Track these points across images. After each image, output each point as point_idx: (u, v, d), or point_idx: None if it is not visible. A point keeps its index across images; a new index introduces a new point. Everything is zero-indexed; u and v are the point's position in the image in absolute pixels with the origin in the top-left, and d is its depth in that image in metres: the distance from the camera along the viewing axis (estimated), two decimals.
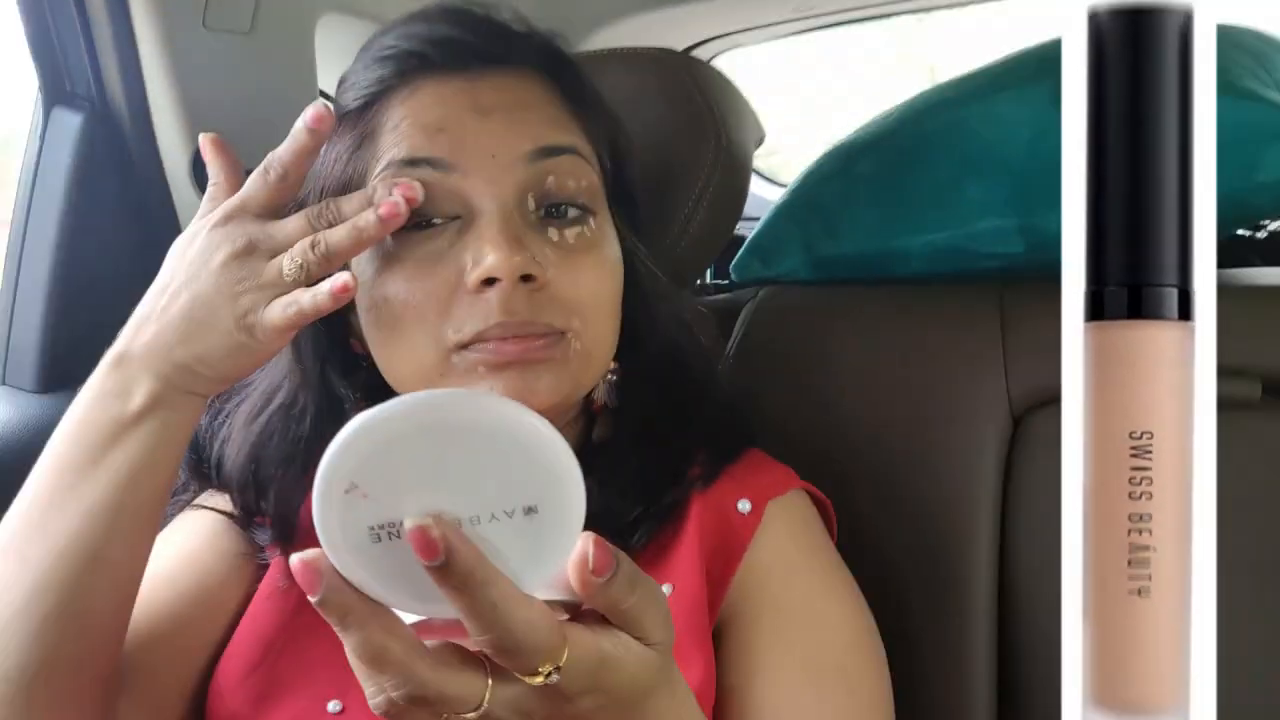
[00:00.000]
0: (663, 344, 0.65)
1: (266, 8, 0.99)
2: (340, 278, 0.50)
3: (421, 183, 0.53)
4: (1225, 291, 0.79)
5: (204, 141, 0.57)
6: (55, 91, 0.94)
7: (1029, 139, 0.86)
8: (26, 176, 0.95)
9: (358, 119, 0.58)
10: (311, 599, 0.34)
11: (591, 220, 0.58)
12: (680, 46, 1.66)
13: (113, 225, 0.98)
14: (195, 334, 0.51)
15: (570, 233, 0.57)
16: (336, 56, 1.24)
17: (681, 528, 0.61)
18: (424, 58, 0.57)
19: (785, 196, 1.01)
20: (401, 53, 0.58)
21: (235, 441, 0.63)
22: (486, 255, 0.52)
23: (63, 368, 0.96)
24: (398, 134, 0.56)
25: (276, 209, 0.54)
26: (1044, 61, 0.92)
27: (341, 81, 0.63)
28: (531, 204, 0.56)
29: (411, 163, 0.54)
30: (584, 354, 0.56)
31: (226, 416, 0.64)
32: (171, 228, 1.01)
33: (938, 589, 0.73)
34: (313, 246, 0.50)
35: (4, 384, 0.97)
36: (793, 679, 0.58)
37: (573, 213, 0.57)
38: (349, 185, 0.58)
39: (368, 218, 0.51)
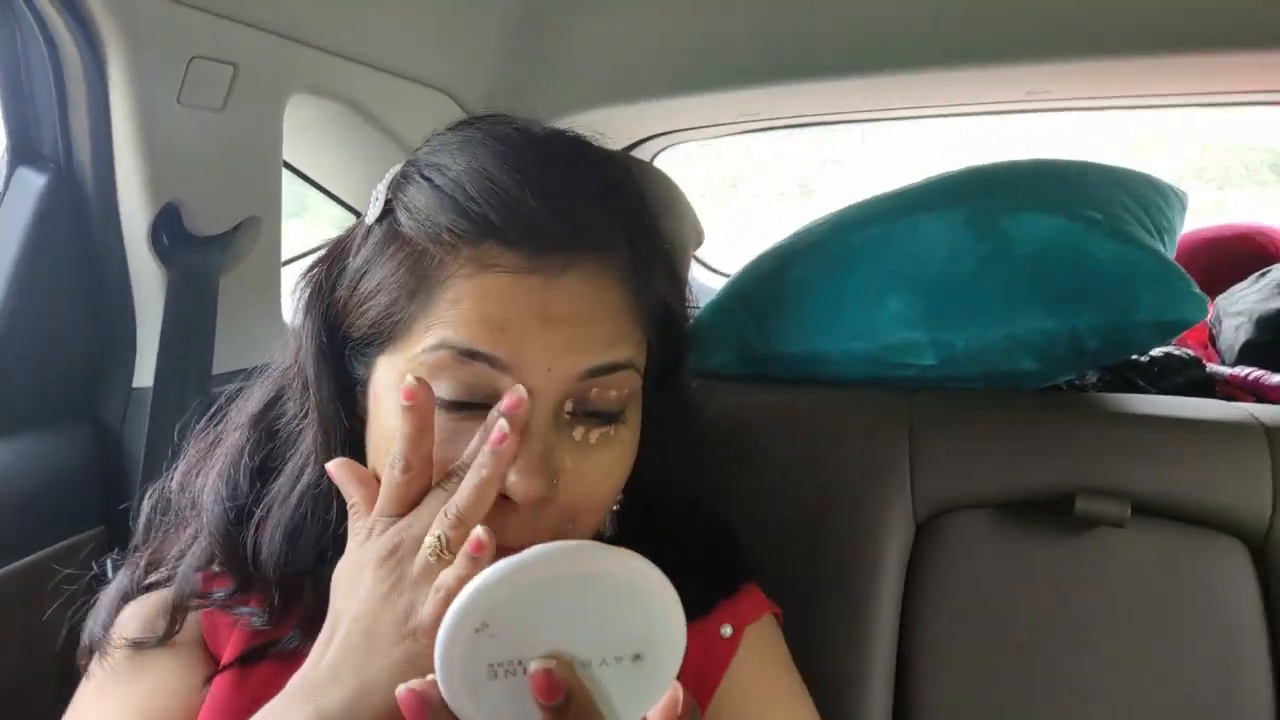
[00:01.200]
0: (670, 485, 0.66)
1: (240, 87, 1.02)
2: (473, 536, 0.47)
3: (472, 371, 0.53)
4: (1098, 417, 0.87)
5: (333, 467, 0.54)
6: (22, 151, 0.95)
7: (942, 260, 0.93)
8: None
9: (415, 255, 0.55)
10: None
11: (621, 418, 0.57)
12: (627, 141, 1.74)
13: (64, 284, 0.99)
14: (362, 662, 0.48)
15: (595, 434, 0.56)
16: (302, 130, 1.29)
17: None
18: (503, 234, 0.53)
19: (721, 293, 1.07)
20: (479, 216, 0.53)
21: (269, 525, 0.61)
22: (511, 475, 0.51)
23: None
24: (459, 314, 0.53)
25: (418, 500, 0.52)
26: (958, 189, 1.01)
27: (397, 184, 0.59)
28: (569, 407, 0.55)
29: (470, 354, 0.52)
30: (577, 535, 0.56)
31: (259, 501, 0.62)
32: (124, 289, 1.03)
33: (838, 684, 0.78)
34: (445, 514, 0.49)
35: None
36: None
37: (605, 417, 0.56)
38: (392, 330, 0.56)
39: (484, 463, 0.49)
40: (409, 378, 0.50)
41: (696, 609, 0.63)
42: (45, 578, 0.95)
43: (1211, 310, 1.37)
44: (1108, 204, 0.93)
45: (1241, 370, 1.12)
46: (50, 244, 0.96)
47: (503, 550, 0.46)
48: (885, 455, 0.90)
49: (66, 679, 0.66)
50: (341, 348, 0.59)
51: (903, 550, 0.88)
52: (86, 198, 0.98)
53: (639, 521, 0.64)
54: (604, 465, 0.56)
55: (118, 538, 1.04)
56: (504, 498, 0.51)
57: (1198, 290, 0.86)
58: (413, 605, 0.48)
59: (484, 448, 0.50)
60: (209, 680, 0.61)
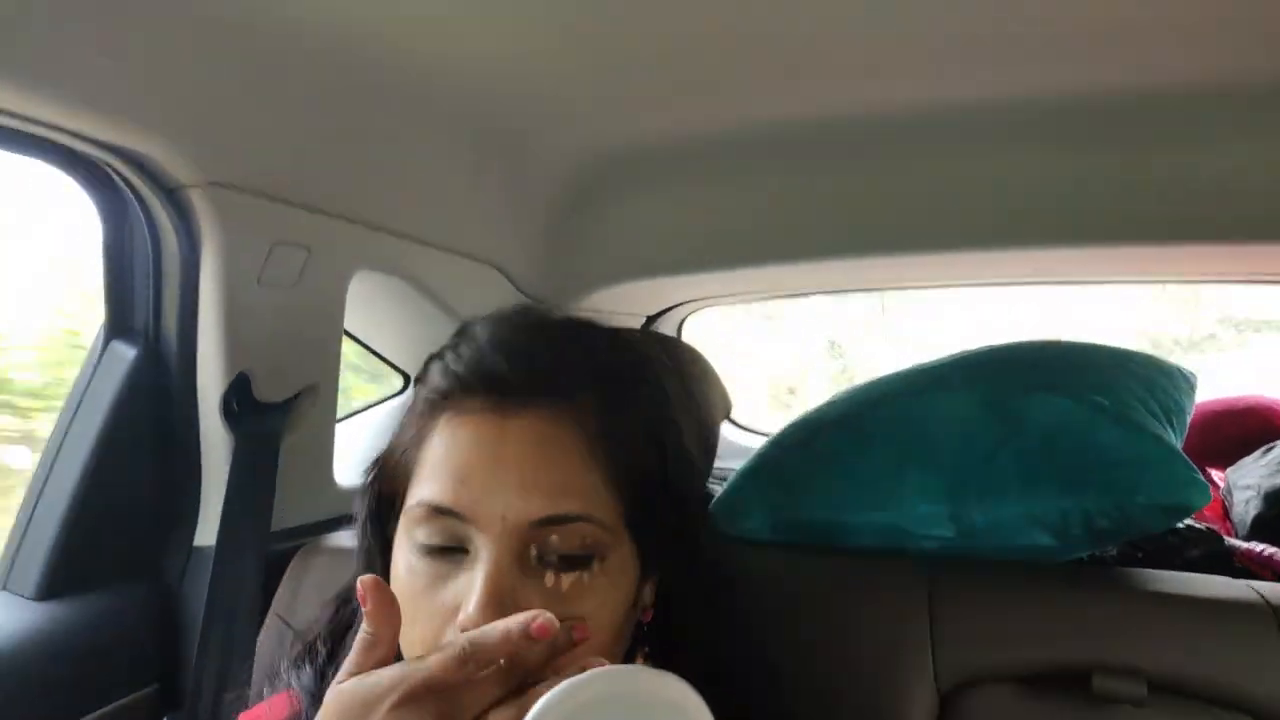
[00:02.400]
0: (706, 644, 0.68)
1: (311, 267, 1.12)
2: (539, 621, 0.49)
3: (444, 523, 0.58)
4: (1113, 594, 0.90)
5: (365, 583, 0.53)
6: (118, 326, 1.05)
7: (961, 438, 0.99)
8: (73, 400, 1.04)
9: (422, 415, 0.64)
10: None
11: (594, 565, 0.59)
12: (656, 309, 1.83)
13: (142, 451, 1.07)
14: None
15: (566, 580, 0.58)
16: (362, 304, 1.38)
17: None
18: (468, 387, 0.61)
19: (753, 461, 1.12)
20: (453, 374, 0.62)
21: None
22: (469, 607, 0.55)
23: (62, 579, 1.01)
24: (431, 470, 0.60)
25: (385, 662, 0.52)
26: (977, 369, 1.08)
27: (425, 364, 0.68)
28: (534, 552, 0.58)
29: (439, 510, 0.59)
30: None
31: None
32: (194, 453, 1.11)
33: None
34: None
35: (4, 589, 1.01)
36: None
37: (575, 561, 0.59)
38: (399, 476, 0.64)
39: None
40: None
41: None
42: None
43: (1224, 482, 1.41)
44: (1115, 389, 0.99)
45: (1259, 547, 1.15)
46: (134, 412, 1.04)
47: None
48: (907, 625, 0.92)
49: None
50: (384, 518, 0.66)
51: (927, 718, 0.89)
52: (170, 370, 1.06)
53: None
54: (578, 610, 0.57)
55: (170, 696, 1.08)
56: None
57: (1199, 475, 0.91)
58: None
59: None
60: None
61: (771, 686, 0.89)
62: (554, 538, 0.58)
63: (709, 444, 1.12)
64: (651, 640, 0.68)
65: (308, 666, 0.69)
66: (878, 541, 1.02)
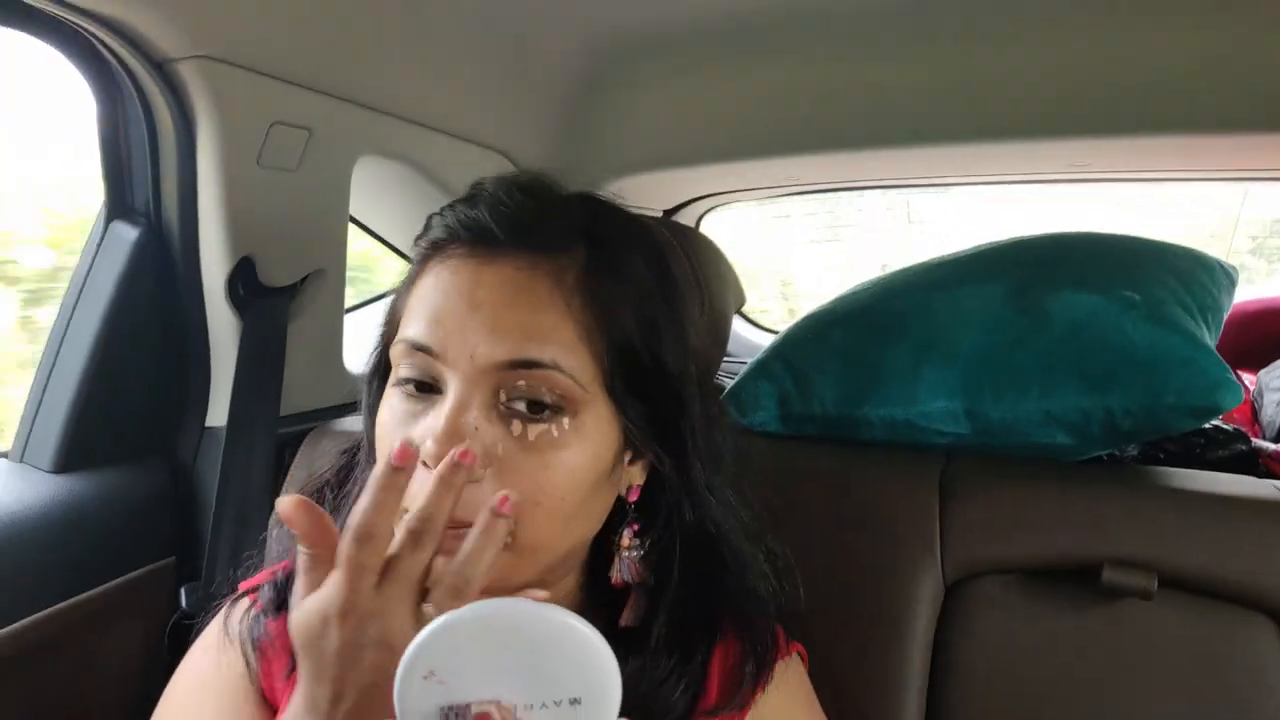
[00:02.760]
0: (696, 526, 0.67)
1: (313, 149, 1.09)
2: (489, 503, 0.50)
3: (421, 360, 0.60)
4: (1129, 490, 0.88)
5: (283, 510, 0.50)
6: (118, 206, 1.03)
7: (981, 332, 0.96)
8: (77, 279, 1.04)
9: (416, 264, 0.65)
10: None
11: (564, 419, 0.59)
12: (676, 202, 1.79)
13: (147, 330, 1.06)
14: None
15: (534, 429, 0.58)
16: (367, 189, 1.36)
17: (706, 677, 0.68)
18: (454, 234, 0.63)
19: (764, 354, 1.10)
20: (444, 224, 0.64)
21: None
22: (427, 441, 0.56)
23: (77, 453, 1.02)
24: (411, 311, 0.62)
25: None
26: (1001, 262, 1.04)
27: (426, 221, 0.69)
28: (502, 396, 0.59)
29: (416, 347, 0.60)
30: (516, 549, 0.57)
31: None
32: (201, 336, 1.10)
33: None
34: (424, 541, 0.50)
35: (22, 461, 1.03)
36: None
37: (544, 411, 0.59)
38: (392, 326, 0.65)
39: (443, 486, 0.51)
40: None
41: (724, 643, 0.68)
42: (123, 603, 1.02)
43: (1255, 383, 1.37)
44: (1149, 284, 0.96)
45: None
46: (139, 293, 1.04)
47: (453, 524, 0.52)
48: (916, 517, 0.92)
49: (147, 698, 0.70)
50: (385, 370, 0.66)
51: (931, 611, 0.90)
52: (173, 251, 1.05)
53: (671, 579, 0.66)
54: (540, 464, 0.58)
55: (188, 567, 1.10)
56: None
57: (1231, 377, 0.88)
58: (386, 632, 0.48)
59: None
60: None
61: (775, 575, 0.90)
62: (521, 383, 0.58)
63: (719, 335, 1.09)
64: (641, 519, 0.67)
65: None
66: (890, 436, 1.01)
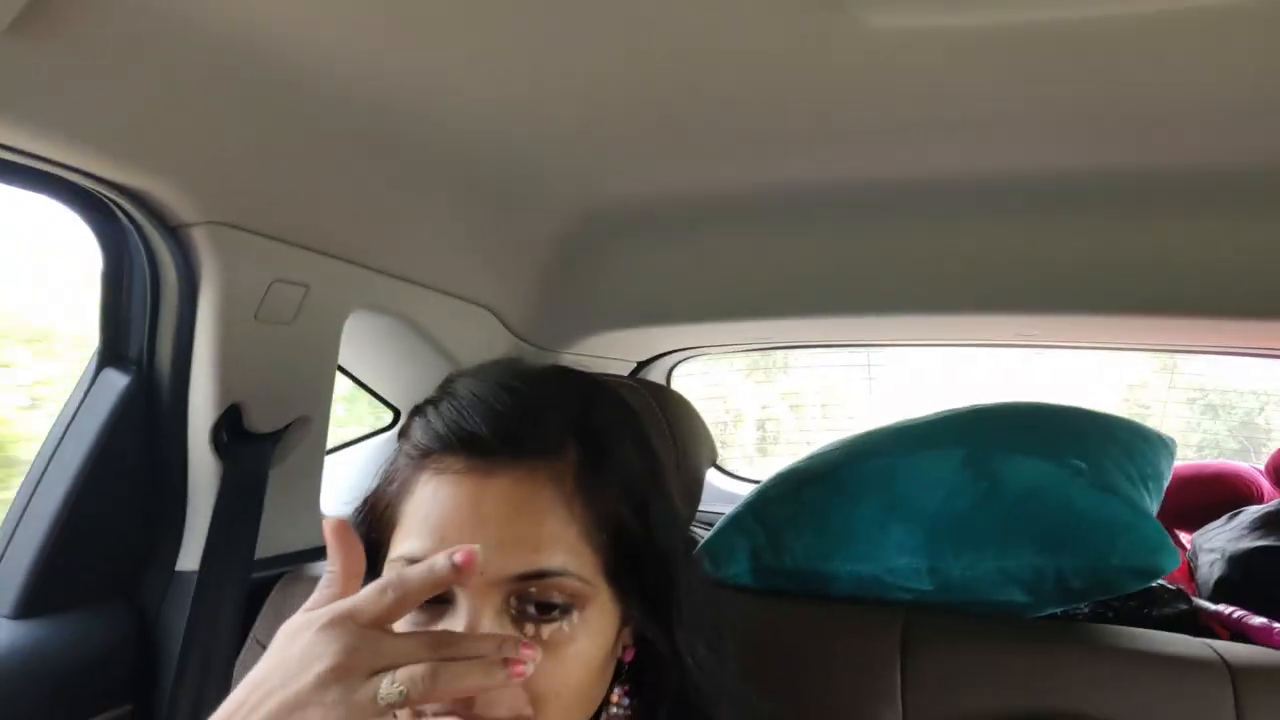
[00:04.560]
0: (675, 697, 0.67)
1: (309, 304, 1.14)
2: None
3: None
4: (1078, 647, 0.92)
5: (328, 526, 0.55)
6: (111, 354, 1.06)
7: (942, 494, 1.02)
8: (62, 421, 1.05)
9: (405, 468, 0.64)
10: None
11: (574, 615, 0.60)
12: (647, 355, 1.86)
13: (127, 476, 1.07)
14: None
15: (546, 629, 0.59)
16: (356, 340, 1.40)
17: None
18: (448, 446, 0.62)
19: (738, 509, 1.14)
20: (435, 433, 0.63)
21: None
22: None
23: (42, 598, 1.01)
24: (412, 526, 0.61)
25: (386, 625, 0.52)
26: (961, 428, 1.10)
27: (409, 416, 0.69)
28: (513, 603, 0.59)
29: (414, 563, 0.56)
30: None
31: None
32: (181, 480, 1.11)
33: None
34: (432, 676, 0.48)
35: None
36: None
37: (554, 611, 0.60)
38: (382, 524, 0.64)
39: (493, 667, 0.50)
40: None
41: None
42: None
43: (1190, 544, 1.44)
44: (1095, 453, 1.02)
45: (1225, 609, 1.17)
46: (122, 439, 1.05)
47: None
48: (878, 670, 0.94)
49: None
50: (376, 555, 0.66)
51: None
52: (161, 399, 1.07)
53: None
54: (556, 661, 0.58)
55: (144, 716, 1.07)
56: None
57: (1170, 541, 0.94)
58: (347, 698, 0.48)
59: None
60: None
61: None
62: (533, 589, 0.59)
63: (693, 493, 1.13)
64: (631, 679, 0.69)
65: None
66: (857, 591, 1.04)
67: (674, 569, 0.67)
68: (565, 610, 0.60)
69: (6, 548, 1.02)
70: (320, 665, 0.48)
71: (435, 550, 0.57)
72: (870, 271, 1.40)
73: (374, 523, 0.67)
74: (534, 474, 0.61)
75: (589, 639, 0.61)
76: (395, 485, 0.65)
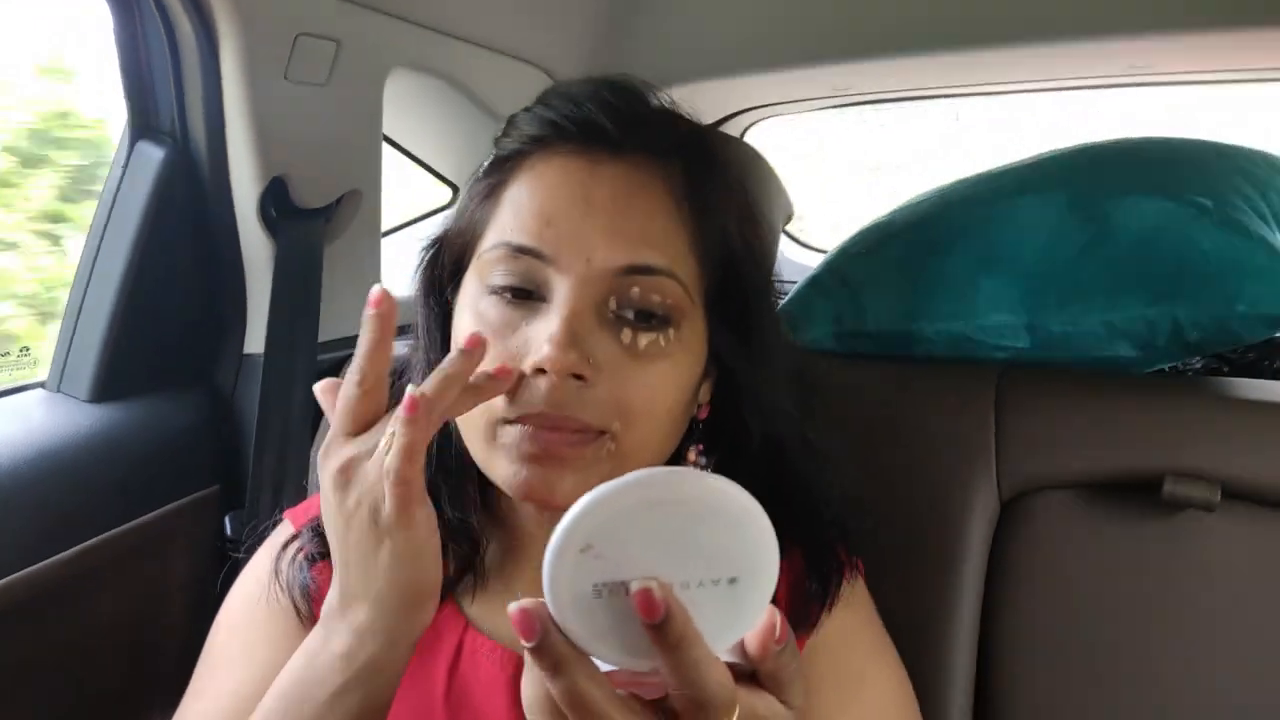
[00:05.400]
0: (762, 443, 0.65)
1: (343, 62, 1.05)
2: (407, 397, 0.48)
3: (524, 264, 0.57)
4: (1192, 401, 0.85)
5: (317, 388, 0.56)
6: (141, 126, 1.00)
7: (1043, 243, 0.92)
8: (105, 202, 1.01)
9: (499, 167, 0.62)
10: (526, 644, 0.38)
11: (670, 330, 0.58)
12: (718, 115, 1.73)
13: (180, 254, 1.04)
14: (362, 578, 0.51)
15: (643, 339, 0.57)
16: (402, 105, 1.31)
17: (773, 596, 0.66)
18: (560, 130, 0.60)
19: (818, 269, 1.07)
20: (544, 120, 0.61)
21: None
22: (544, 347, 0.54)
23: (115, 382, 1.01)
24: (513, 211, 0.59)
25: (374, 419, 0.53)
26: (1064, 169, 0.99)
27: (507, 122, 0.66)
28: (613, 304, 0.57)
29: (520, 249, 0.57)
30: (619, 455, 0.57)
31: None
32: (235, 260, 1.08)
33: (920, 657, 0.77)
34: (404, 408, 0.48)
35: (59, 390, 1.02)
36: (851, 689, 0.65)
37: (652, 321, 0.58)
38: (466, 236, 0.62)
39: (452, 360, 0.51)
40: (375, 286, 0.51)
41: (791, 562, 0.66)
42: (168, 531, 1.01)
43: None
44: (1221, 189, 0.91)
45: None
46: (168, 215, 1.01)
47: (532, 419, 0.55)
48: (972, 431, 0.90)
49: (196, 625, 0.69)
50: (445, 288, 0.65)
51: (987, 528, 0.88)
52: (201, 171, 1.02)
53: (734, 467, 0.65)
54: (649, 373, 0.57)
55: (232, 496, 1.10)
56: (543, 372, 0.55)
57: None
58: (375, 506, 0.50)
59: (455, 352, 0.51)
60: None
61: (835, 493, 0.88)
62: (635, 290, 0.57)
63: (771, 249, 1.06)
64: (706, 438, 0.66)
65: None
66: (947, 352, 0.98)
67: (767, 305, 0.66)
68: (663, 323, 0.58)
69: (74, 331, 1.02)
70: (335, 495, 0.51)
71: (541, 235, 0.57)
72: (949, 2, 1.24)
73: (453, 239, 0.64)
74: (645, 167, 0.59)
75: (682, 358, 0.59)
76: (484, 186, 0.63)
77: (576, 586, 0.38)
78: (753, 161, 1.10)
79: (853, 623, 0.69)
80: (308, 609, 0.65)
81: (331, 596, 0.53)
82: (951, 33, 1.28)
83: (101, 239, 1.01)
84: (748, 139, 1.88)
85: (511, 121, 0.65)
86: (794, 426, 0.67)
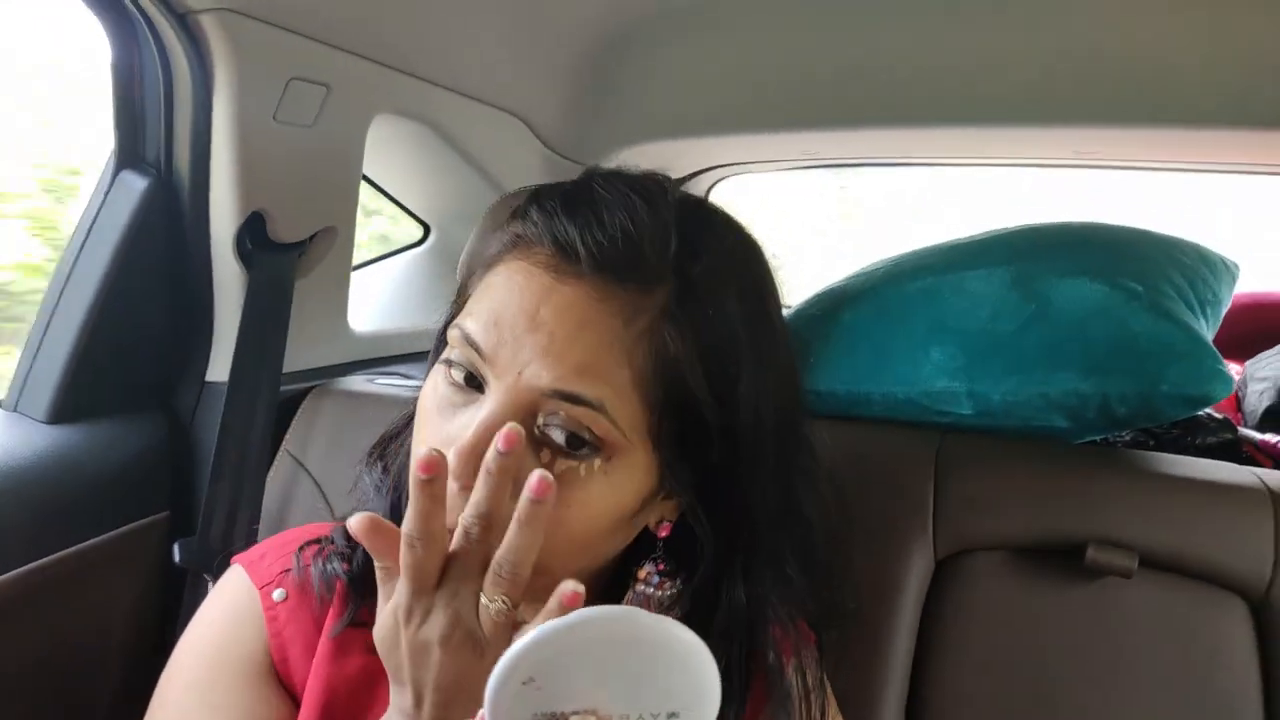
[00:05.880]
0: (739, 606, 0.63)
1: (331, 106, 1.08)
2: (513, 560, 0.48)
3: (471, 358, 0.57)
4: (1117, 472, 0.91)
5: (357, 525, 0.50)
6: (128, 155, 1.02)
7: (987, 316, 0.98)
8: (83, 227, 1.02)
9: (501, 246, 0.61)
10: None
11: (596, 461, 0.56)
12: (684, 173, 1.78)
13: (152, 282, 1.06)
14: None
15: (561, 463, 0.55)
16: (380, 145, 1.35)
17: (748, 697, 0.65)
18: (539, 236, 0.58)
19: None
20: (530, 223, 0.60)
21: None
22: (450, 453, 0.52)
23: (73, 403, 1.01)
24: (478, 305, 0.59)
25: (440, 566, 0.50)
26: (1009, 248, 1.05)
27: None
28: (540, 420, 0.55)
29: (468, 340, 0.57)
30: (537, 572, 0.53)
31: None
32: (206, 290, 1.10)
33: (851, 708, 0.78)
34: (498, 574, 0.49)
35: (16, 410, 1.02)
36: None
37: (580, 447, 0.55)
38: (460, 294, 0.65)
39: (524, 515, 0.48)
40: (423, 449, 0.49)
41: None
42: (115, 555, 1.01)
43: (1241, 373, 1.40)
44: (1152, 275, 0.97)
45: (1271, 437, 1.15)
46: (145, 244, 1.02)
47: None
48: (911, 491, 0.94)
49: (138, 650, 0.69)
50: None
51: (921, 585, 0.92)
52: (182, 203, 1.04)
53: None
54: (562, 499, 0.52)
55: (181, 522, 1.10)
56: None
57: (1225, 369, 0.90)
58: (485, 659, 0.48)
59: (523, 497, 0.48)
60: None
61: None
62: (562, 413, 0.55)
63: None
64: (667, 556, 0.64)
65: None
66: (891, 414, 1.02)
67: (754, 457, 0.61)
68: (592, 449, 0.55)
69: (37, 352, 1.02)
70: (438, 649, 0.49)
71: (485, 334, 0.56)
72: (924, 77, 1.30)
73: (460, 293, 0.66)
74: (608, 298, 0.56)
75: (603, 491, 0.57)
76: (487, 255, 0.62)
77: (516, 714, 0.41)
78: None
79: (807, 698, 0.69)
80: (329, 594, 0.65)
81: None
82: (914, 108, 1.35)
83: (75, 262, 1.02)
84: (712, 196, 1.94)
85: (524, 207, 0.63)
86: (789, 585, 0.65)
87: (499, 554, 0.49)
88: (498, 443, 0.48)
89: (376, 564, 0.52)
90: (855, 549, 0.91)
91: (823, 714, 0.69)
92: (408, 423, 0.69)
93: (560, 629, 0.40)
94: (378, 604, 0.52)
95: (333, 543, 0.68)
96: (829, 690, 0.73)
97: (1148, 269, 0.99)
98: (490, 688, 0.40)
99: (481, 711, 0.41)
